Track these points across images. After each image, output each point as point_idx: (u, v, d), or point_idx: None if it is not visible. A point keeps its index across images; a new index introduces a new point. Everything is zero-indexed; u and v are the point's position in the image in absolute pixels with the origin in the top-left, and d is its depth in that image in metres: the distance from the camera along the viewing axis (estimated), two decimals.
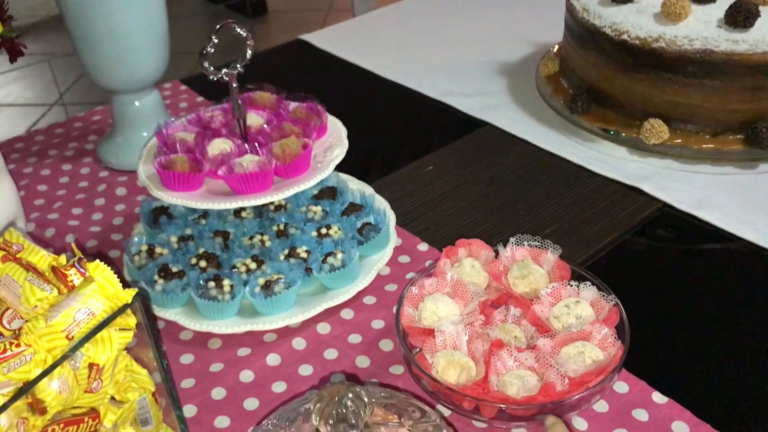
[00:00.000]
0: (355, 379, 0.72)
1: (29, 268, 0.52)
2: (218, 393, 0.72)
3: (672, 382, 0.70)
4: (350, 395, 0.45)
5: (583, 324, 0.65)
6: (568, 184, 0.99)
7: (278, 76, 1.30)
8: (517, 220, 0.93)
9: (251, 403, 0.70)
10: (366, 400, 0.45)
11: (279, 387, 0.72)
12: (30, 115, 2.81)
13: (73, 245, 0.57)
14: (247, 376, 0.73)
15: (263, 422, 0.53)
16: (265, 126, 0.82)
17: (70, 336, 0.49)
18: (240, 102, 0.78)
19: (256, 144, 0.79)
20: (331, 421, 0.44)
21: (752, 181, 0.97)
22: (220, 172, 0.75)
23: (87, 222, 0.96)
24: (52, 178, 1.06)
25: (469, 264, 0.72)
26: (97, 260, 0.52)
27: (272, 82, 0.92)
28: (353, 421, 0.44)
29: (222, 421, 0.69)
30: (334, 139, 0.83)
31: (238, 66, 0.77)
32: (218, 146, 0.78)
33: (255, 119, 0.83)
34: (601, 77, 1.07)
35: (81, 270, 0.52)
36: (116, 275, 0.53)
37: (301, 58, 1.40)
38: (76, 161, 1.09)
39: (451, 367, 0.62)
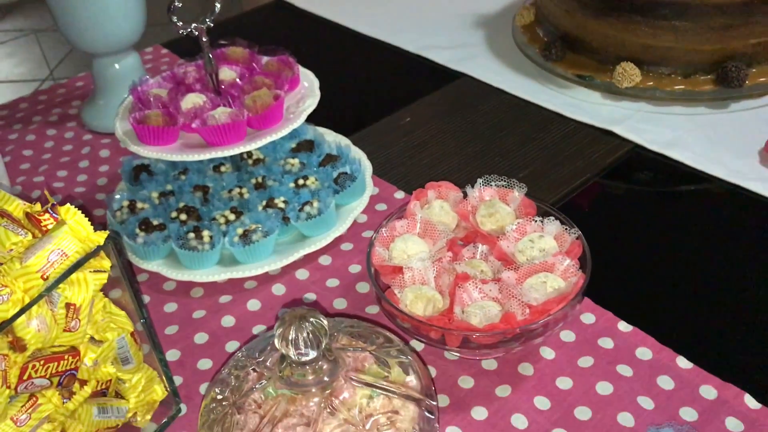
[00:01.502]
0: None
1: (4, 214, 0.54)
2: (201, 338, 0.74)
3: (637, 312, 0.73)
4: (311, 319, 0.47)
5: (546, 256, 0.68)
6: (543, 130, 1.01)
7: (255, 34, 1.30)
8: (492, 166, 0.95)
9: (232, 346, 0.73)
10: (325, 323, 0.48)
11: (259, 329, 0.75)
12: (21, 91, 2.82)
13: (45, 192, 0.59)
14: (228, 321, 0.76)
15: (236, 353, 0.56)
16: (238, 80, 0.83)
17: (45, 276, 0.52)
18: (211, 56, 0.80)
19: (229, 97, 0.80)
20: (291, 343, 0.46)
21: (723, 121, 0.99)
22: (194, 125, 0.77)
23: (72, 184, 0.99)
24: (37, 143, 1.08)
25: (438, 205, 0.74)
26: (68, 204, 0.54)
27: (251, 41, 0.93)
28: (313, 343, 0.47)
29: (204, 363, 0.72)
30: (307, 90, 0.84)
31: (207, 20, 0.78)
32: (192, 100, 0.80)
33: (228, 73, 0.85)
34: (575, 24, 1.08)
35: (54, 215, 0.55)
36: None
37: (278, 17, 1.41)
38: (61, 126, 1.11)
39: (419, 300, 0.65)
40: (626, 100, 1.03)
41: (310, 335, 0.47)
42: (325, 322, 0.48)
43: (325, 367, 0.49)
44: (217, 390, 0.54)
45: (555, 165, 0.94)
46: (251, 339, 0.74)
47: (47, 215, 0.54)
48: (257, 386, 0.51)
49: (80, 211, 0.54)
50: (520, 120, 1.03)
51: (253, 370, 0.53)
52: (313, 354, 0.48)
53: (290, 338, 0.47)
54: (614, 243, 0.82)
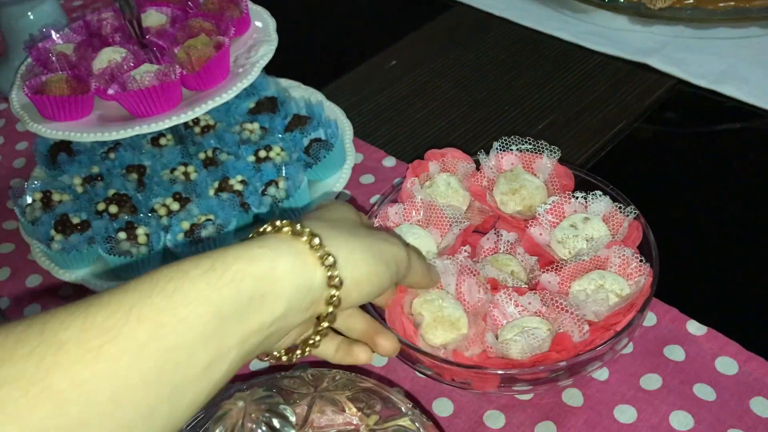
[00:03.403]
0: None
1: None
2: None
3: (712, 307, 0.55)
4: (267, 416, 0.29)
5: (598, 248, 0.50)
6: (561, 68, 0.82)
7: None
8: (502, 118, 0.76)
9: None
10: (293, 418, 0.30)
11: None
12: None
13: None
14: None
15: None
16: (168, 26, 0.63)
17: None
18: None
19: (156, 50, 0.61)
20: None
21: None
22: (110, 91, 0.57)
23: None
24: None
25: (443, 181, 0.56)
26: None
27: None
28: None
29: None
30: (260, 34, 0.65)
31: None
32: (107, 57, 0.60)
33: (155, 18, 0.65)
34: None
35: None
36: None
37: None
38: None
39: (439, 324, 0.47)
40: (660, 24, 0.85)
41: None
42: (292, 417, 0.30)
43: None
44: None
45: (580, 111, 0.75)
46: None
47: None
48: None
49: None
50: (531, 56, 0.84)
51: None
52: None
53: None
54: (669, 213, 0.64)
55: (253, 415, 0.29)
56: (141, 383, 0.28)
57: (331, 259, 0.35)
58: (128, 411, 0.28)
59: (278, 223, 0.36)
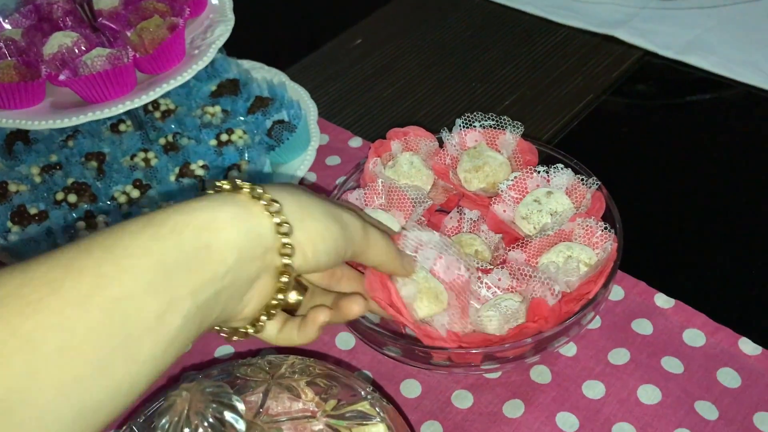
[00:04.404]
0: None
1: None
2: None
3: (678, 280, 0.55)
4: (215, 407, 0.28)
5: (562, 222, 0.49)
6: (527, 42, 0.81)
7: None
8: (469, 95, 0.75)
9: None
10: (241, 407, 0.29)
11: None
12: None
13: None
14: None
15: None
16: (121, 8, 0.62)
17: None
18: None
19: (108, 33, 0.59)
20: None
21: (749, 12, 0.80)
22: (61, 77, 0.56)
23: None
24: None
25: (406, 161, 0.55)
26: None
27: None
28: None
29: None
30: (216, 14, 0.63)
31: None
32: (57, 41, 0.58)
33: (108, 1, 0.63)
34: None
35: None
36: None
37: None
38: None
39: (425, 296, 0.45)
40: None
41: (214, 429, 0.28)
42: (241, 406, 0.29)
43: None
44: None
45: (548, 86, 0.74)
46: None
47: None
48: None
49: None
50: (499, 31, 0.83)
51: None
52: None
53: None
54: (638, 186, 0.63)
55: (199, 405, 0.28)
56: (89, 333, 0.27)
57: (276, 206, 0.34)
58: (78, 362, 0.27)
59: (218, 183, 0.35)
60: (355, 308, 0.42)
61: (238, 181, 0.35)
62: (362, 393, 0.36)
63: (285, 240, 0.34)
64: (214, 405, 0.28)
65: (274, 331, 0.42)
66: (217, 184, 0.35)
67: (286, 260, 0.35)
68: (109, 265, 0.29)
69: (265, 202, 0.34)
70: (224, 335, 0.38)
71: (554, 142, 0.67)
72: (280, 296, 0.36)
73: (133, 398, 0.29)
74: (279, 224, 0.34)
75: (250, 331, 0.38)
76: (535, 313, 0.45)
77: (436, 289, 0.46)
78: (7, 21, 0.63)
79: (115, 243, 0.29)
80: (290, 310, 0.44)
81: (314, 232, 0.36)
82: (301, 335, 0.42)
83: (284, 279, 0.35)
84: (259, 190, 0.34)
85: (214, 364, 0.47)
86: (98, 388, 0.28)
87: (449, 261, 0.47)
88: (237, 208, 0.33)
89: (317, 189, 0.65)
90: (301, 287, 0.44)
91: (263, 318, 0.37)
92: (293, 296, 0.43)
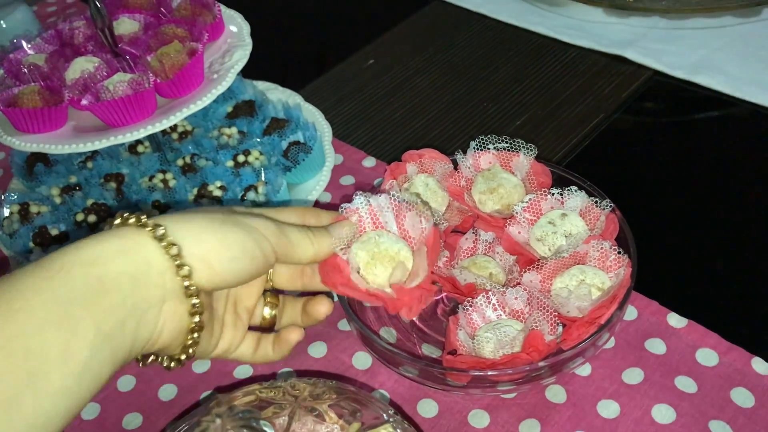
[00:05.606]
0: None
1: None
2: (126, 383, 0.56)
3: (691, 300, 0.56)
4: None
5: (576, 243, 0.50)
6: (538, 62, 0.82)
7: None
8: (480, 115, 0.76)
9: (167, 392, 0.55)
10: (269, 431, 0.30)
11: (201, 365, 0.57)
12: None
13: None
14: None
15: None
16: (141, 33, 0.63)
17: None
18: (99, 3, 0.59)
19: (129, 58, 0.60)
20: None
21: (756, 32, 0.81)
22: (84, 102, 0.57)
23: None
24: None
25: (421, 183, 0.56)
26: None
27: None
28: None
29: (133, 419, 0.54)
30: (234, 39, 0.64)
31: None
32: (80, 67, 0.60)
33: (128, 26, 0.64)
34: None
35: None
36: None
37: None
38: None
39: (378, 261, 0.45)
40: (636, 15, 0.85)
41: None
42: (270, 431, 0.30)
43: None
44: None
45: (559, 106, 0.75)
46: (193, 383, 0.56)
47: None
48: None
49: None
50: (509, 51, 0.84)
51: None
52: None
53: None
54: (649, 205, 0.64)
55: (231, 431, 0.29)
56: None
57: (161, 230, 0.36)
58: None
59: (109, 219, 0.38)
60: (321, 309, 0.44)
61: (126, 214, 0.37)
62: (384, 416, 0.37)
63: (178, 261, 0.36)
64: (245, 430, 0.29)
65: (249, 351, 0.43)
66: (109, 219, 0.37)
67: (185, 281, 0.36)
68: (3, 307, 0.30)
69: (150, 228, 0.35)
70: (164, 365, 0.40)
71: (565, 162, 0.68)
72: (196, 318, 0.38)
73: (54, 431, 0.30)
74: (166, 246, 0.35)
75: (182, 357, 0.40)
76: (530, 345, 0.45)
77: (390, 250, 0.46)
78: (30, 46, 0.64)
79: (9, 287, 0.31)
80: (268, 328, 0.46)
81: (215, 243, 0.38)
82: (276, 352, 0.43)
83: (195, 300, 0.37)
84: (143, 218, 0.36)
85: (236, 386, 0.48)
86: (9, 424, 0.28)
87: (411, 218, 0.47)
88: (122, 240, 0.35)
89: (331, 208, 0.67)
90: (276, 301, 0.45)
91: (189, 343, 0.39)
92: (267, 311, 0.45)
